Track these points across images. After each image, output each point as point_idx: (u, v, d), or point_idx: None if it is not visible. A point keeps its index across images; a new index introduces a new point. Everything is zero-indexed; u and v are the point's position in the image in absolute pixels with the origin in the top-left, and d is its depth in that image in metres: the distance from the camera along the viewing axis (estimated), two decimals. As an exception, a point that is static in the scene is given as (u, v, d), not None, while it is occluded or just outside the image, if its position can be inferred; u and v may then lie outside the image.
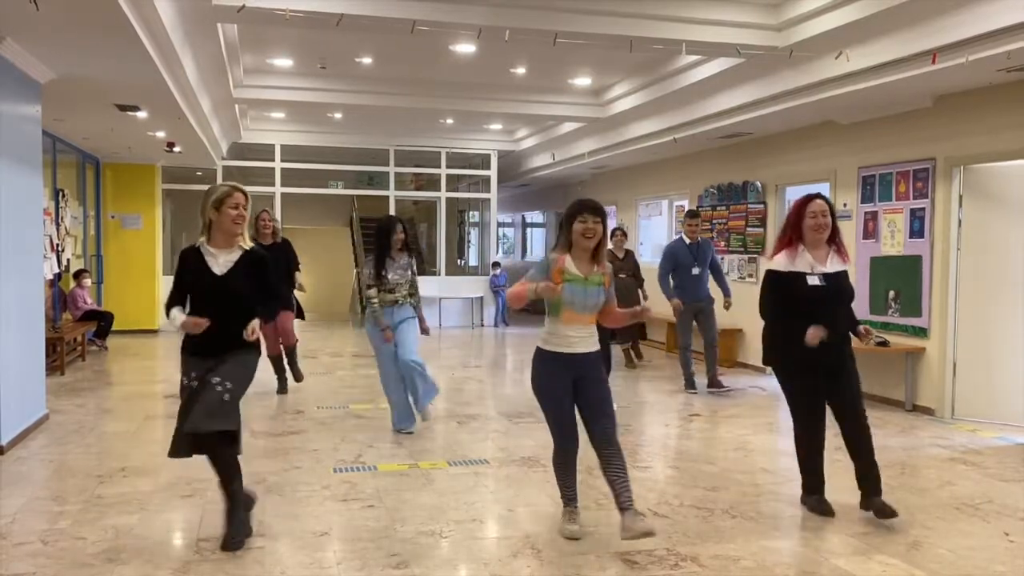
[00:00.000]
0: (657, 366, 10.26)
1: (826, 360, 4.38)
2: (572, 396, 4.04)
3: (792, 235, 4.45)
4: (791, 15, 6.65)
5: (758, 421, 7.05)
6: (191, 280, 3.90)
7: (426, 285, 15.11)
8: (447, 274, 15.55)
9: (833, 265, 4.45)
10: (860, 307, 8.08)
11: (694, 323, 8.44)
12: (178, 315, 3.86)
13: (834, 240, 4.49)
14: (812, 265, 4.39)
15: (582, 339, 4.01)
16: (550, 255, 4.06)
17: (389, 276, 6.21)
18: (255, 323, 3.82)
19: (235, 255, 3.91)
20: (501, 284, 15.17)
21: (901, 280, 7.64)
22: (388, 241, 6.23)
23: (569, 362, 4.00)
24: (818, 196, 4.49)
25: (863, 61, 6.52)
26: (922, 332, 7.42)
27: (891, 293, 7.76)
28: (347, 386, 8.49)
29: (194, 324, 3.79)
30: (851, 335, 4.56)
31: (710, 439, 6.42)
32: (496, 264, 15.65)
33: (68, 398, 7.65)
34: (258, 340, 3.96)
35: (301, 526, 4.26)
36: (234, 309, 3.84)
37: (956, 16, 5.64)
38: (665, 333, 11.74)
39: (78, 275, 10.87)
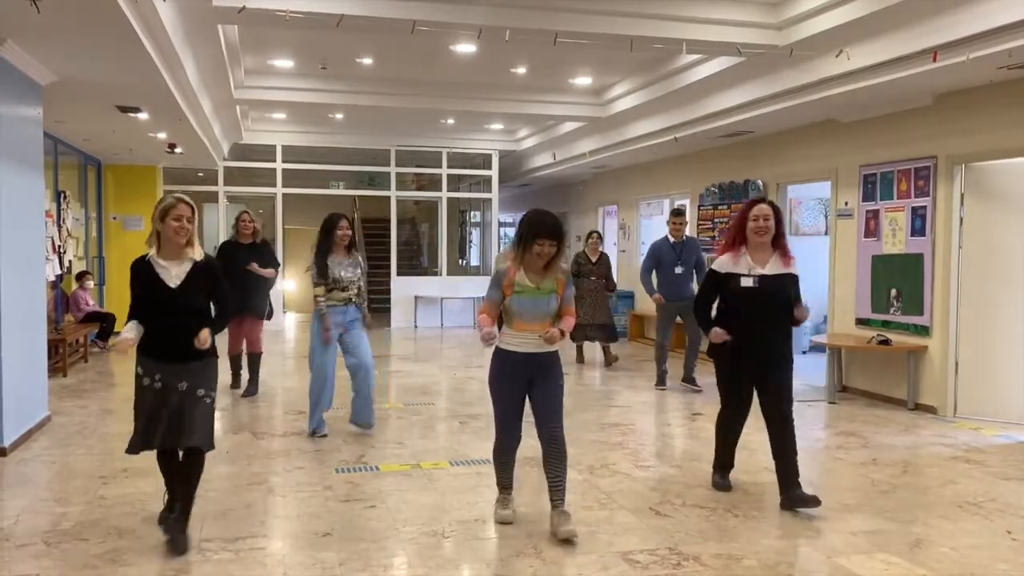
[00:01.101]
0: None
1: (759, 355, 4.63)
2: (523, 393, 4.22)
3: (736, 237, 4.68)
4: (791, 14, 6.64)
5: (760, 421, 7.01)
6: (144, 293, 3.92)
7: (428, 285, 15.20)
8: (448, 274, 15.55)
9: (773, 268, 4.59)
10: (862, 306, 8.10)
11: (676, 320, 8.58)
12: (127, 330, 3.91)
13: (779, 244, 4.65)
14: (750, 267, 4.59)
15: (534, 342, 4.12)
16: (499, 265, 4.24)
17: (341, 274, 6.05)
18: (204, 333, 3.85)
19: (187, 267, 3.92)
20: None
21: (903, 279, 7.63)
22: (331, 238, 6.07)
23: (522, 360, 4.14)
24: (762, 200, 4.72)
25: (864, 59, 6.52)
26: (924, 330, 7.41)
27: (893, 292, 7.76)
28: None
29: (120, 351, 3.91)
30: (789, 344, 4.72)
31: (712, 438, 6.40)
32: None
33: (70, 399, 7.66)
34: (214, 346, 4.01)
35: (303, 526, 4.26)
36: (190, 321, 3.88)
37: (956, 14, 5.64)
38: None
39: (80, 277, 10.88)
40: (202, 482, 4.87)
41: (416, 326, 14.73)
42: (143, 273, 3.92)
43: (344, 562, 3.78)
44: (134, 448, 4.00)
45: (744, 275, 4.57)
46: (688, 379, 8.48)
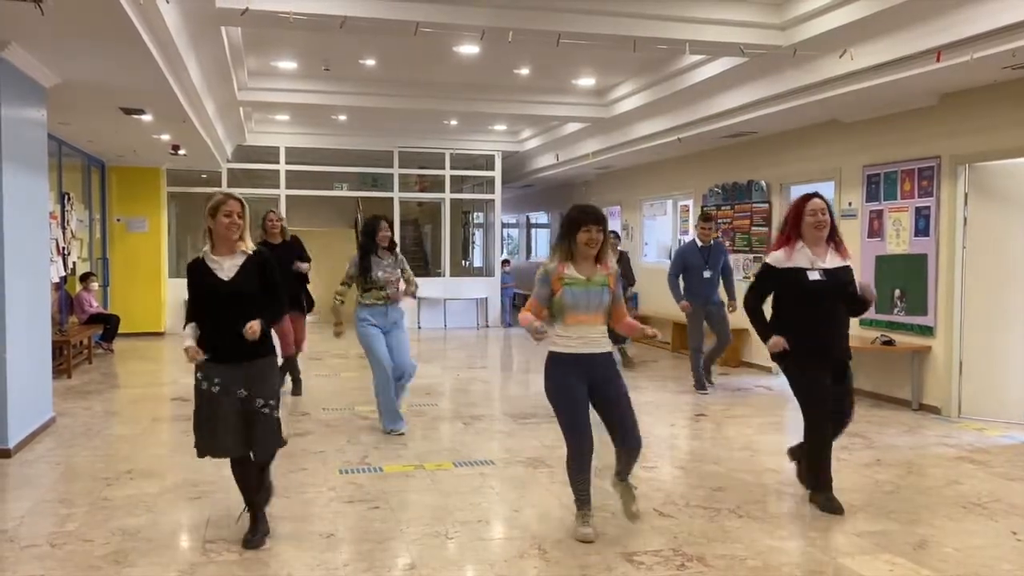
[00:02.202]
0: (662, 366, 10.26)
1: (832, 351, 4.54)
2: (587, 397, 4.06)
3: (791, 233, 4.58)
4: (795, 14, 6.64)
5: (764, 421, 7.04)
6: (201, 290, 3.98)
7: (430, 286, 15.17)
8: (451, 275, 15.55)
9: (832, 261, 4.53)
10: (865, 306, 8.08)
11: (704, 325, 8.47)
12: (187, 337, 3.94)
13: (833, 238, 4.58)
14: (812, 261, 4.50)
15: (592, 339, 4.05)
16: (547, 266, 4.10)
17: (379, 275, 6.27)
18: (255, 324, 3.85)
19: (239, 260, 3.98)
20: (507, 283, 15.24)
21: (907, 279, 7.61)
22: (373, 240, 6.31)
23: (581, 362, 4.03)
24: (816, 195, 4.61)
25: (867, 60, 6.51)
26: (928, 331, 7.40)
27: (897, 292, 7.74)
28: (352, 388, 8.49)
29: (190, 359, 3.89)
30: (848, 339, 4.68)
31: (716, 439, 6.42)
32: (506, 262, 15.69)
33: (75, 401, 7.68)
34: (271, 342, 4.07)
35: (307, 528, 4.27)
36: (246, 312, 3.91)
37: (960, 14, 5.63)
38: (671, 333, 11.73)
39: (84, 278, 10.90)
40: (207, 484, 4.90)
41: (420, 327, 14.74)
42: (197, 271, 3.98)
43: (348, 563, 3.79)
44: (201, 452, 3.99)
45: (809, 269, 4.47)
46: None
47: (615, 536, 4.16)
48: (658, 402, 7.97)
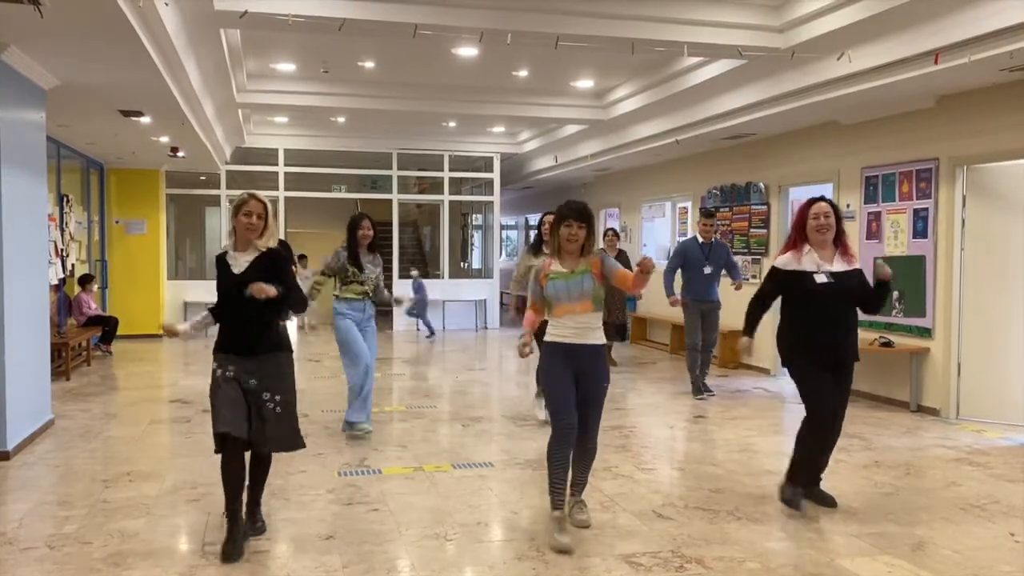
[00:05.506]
0: (661, 368, 10.26)
1: (834, 353, 4.54)
2: (573, 382, 4.14)
3: (797, 237, 4.61)
4: (793, 16, 6.65)
5: (763, 423, 7.04)
6: (218, 285, 4.11)
7: (430, 288, 15.17)
8: (451, 277, 15.56)
9: (839, 265, 4.54)
10: (864, 307, 8.09)
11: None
12: (192, 319, 4.24)
13: (840, 241, 4.60)
14: (819, 264, 4.52)
15: (579, 330, 4.12)
16: (531, 263, 4.22)
17: (364, 268, 6.26)
18: (260, 284, 3.86)
19: (252, 255, 4.06)
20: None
21: (905, 281, 7.61)
22: (355, 237, 6.24)
23: (570, 351, 4.13)
24: (821, 199, 4.65)
25: (865, 62, 6.52)
26: (926, 332, 7.41)
27: (895, 294, 7.74)
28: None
29: (165, 330, 4.33)
30: (857, 343, 4.67)
31: (714, 441, 6.42)
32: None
33: (74, 403, 7.67)
34: (285, 338, 4.13)
35: (306, 530, 4.27)
36: (252, 306, 3.96)
37: (958, 16, 5.65)
38: (669, 334, 11.73)
39: (83, 280, 10.90)
40: (206, 486, 4.90)
41: (419, 329, 14.74)
42: (218, 265, 4.11)
43: (347, 565, 3.79)
44: (219, 443, 3.93)
45: (815, 272, 4.48)
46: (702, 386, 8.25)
47: (614, 538, 4.17)
48: (656, 403, 7.97)
